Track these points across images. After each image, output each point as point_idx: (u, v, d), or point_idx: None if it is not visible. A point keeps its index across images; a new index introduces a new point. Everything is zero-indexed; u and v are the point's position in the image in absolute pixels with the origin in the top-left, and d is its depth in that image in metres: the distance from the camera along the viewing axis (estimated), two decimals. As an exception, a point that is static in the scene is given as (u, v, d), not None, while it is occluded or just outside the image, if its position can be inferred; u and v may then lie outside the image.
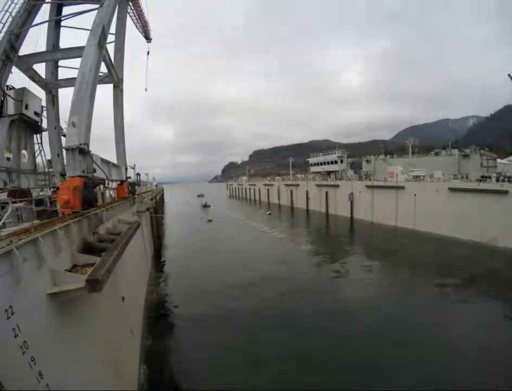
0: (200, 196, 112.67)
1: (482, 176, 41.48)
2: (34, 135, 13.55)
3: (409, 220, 34.75)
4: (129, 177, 17.97)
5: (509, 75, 39.64)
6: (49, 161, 14.58)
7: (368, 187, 44.14)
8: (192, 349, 11.38)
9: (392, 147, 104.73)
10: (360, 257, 24.39)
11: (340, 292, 17.34)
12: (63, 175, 13.14)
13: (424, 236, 30.76)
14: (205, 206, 72.63)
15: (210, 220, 48.10)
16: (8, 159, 9.88)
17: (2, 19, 10.63)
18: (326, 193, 52.64)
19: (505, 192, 25.26)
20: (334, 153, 59.10)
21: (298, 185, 66.36)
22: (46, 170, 14.43)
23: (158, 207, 44.23)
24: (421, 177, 38.96)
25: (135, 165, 44.76)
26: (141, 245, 17.32)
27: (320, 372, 9.82)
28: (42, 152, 14.25)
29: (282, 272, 20.42)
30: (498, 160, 48.93)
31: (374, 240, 32.28)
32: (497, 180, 28.50)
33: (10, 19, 10.71)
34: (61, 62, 14.00)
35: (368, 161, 62.42)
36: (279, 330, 12.58)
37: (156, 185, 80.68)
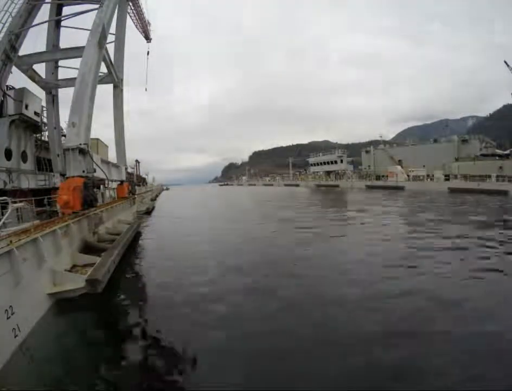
0: None
1: (482, 154, 41.09)
2: (34, 135, 13.57)
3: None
4: (131, 175, 17.94)
5: (505, 61, 39.53)
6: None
7: (367, 186, 44.24)
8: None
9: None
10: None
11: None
12: (63, 175, 13.13)
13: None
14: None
15: None
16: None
17: (2, 19, 10.62)
18: (326, 192, 52.77)
19: (505, 192, 25.37)
20: (334, 153, 59.03)
21: (298, 185, 66.40)
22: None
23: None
24: (421, 177, 38.98)
25: (136, 164, 44.63)
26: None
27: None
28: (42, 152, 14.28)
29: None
30: (498, 151, 48.76)
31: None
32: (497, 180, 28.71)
33: (10, 19, 10.69)
34: (61, 62, 13.96)
35: (367, 152, 60.27)
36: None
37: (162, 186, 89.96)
